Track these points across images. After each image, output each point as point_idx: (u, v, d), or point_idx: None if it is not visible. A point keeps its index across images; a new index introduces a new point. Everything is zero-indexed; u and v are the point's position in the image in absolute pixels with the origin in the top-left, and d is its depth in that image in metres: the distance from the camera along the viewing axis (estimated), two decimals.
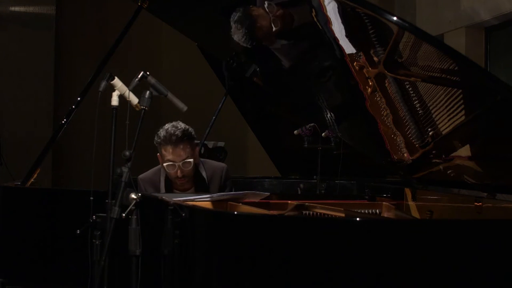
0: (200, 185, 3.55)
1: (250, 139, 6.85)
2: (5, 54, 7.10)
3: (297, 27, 3.12)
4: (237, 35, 3.07)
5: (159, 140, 3.39)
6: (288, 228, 2.34)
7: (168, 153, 3.37)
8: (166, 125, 3.42)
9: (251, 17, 3.04)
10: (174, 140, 3.33)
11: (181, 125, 3.42)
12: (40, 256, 3.53)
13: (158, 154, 3.48)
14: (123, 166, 2.62)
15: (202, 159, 3.66)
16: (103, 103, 2.72)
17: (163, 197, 2.97)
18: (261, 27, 3.04)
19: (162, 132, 3.39)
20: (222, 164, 3.69)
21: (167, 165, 3.39)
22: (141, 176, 3.59)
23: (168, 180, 3.53)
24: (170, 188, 3.54)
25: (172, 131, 3.36)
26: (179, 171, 3.38)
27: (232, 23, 3.07)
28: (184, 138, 3.36)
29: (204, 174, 3.56)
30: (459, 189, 3.02)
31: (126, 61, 6.14)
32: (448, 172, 2.95)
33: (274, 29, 3.02)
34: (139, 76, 2.80)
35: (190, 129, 3.43)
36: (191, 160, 3.39)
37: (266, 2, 3.03)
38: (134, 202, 2.60)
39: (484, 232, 2.30)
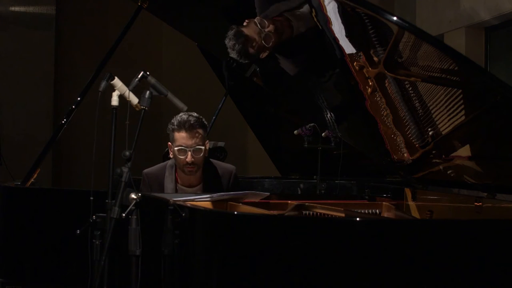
0: (208, 183, 3.54)
1: (250, 139, 6.85)
2: (5, 54, 7.10)
3: (296, 28, 3.12)
4: (233, 54, 3.12)
5: (172, 126, 3.43)
6: (288, 228, 2.34)
7: (181, 137, 3.40)
8: (180, 113, 3.44)
9: (243, 37, 3.06)
10: (188, 125, 3.39)
11: (195, 114, 3.48)
12: (40, 256, 3.53)
13: (168, 142, 3.49)
14: (123, 166, 2.62)
15: (212, 159, 3.67)
16: (103, 103, 2.72)
17: (163, 197, 2.97)
18: (254, 46, 3.09)
19: (176, 118, 3.44)
20: (231, 166, 3.67)
21: (178, 150, 3.41)
22: (146, 170, 3.60)
23: (173, 176, 3.53)
24: (174, 185, 3.53)
25: (186, 118, 3.41)
26: (189, 156, 3.39)
27: (226, 42, 3.11)
28: (198, 125, 3.41)
29: (213, 173, 3.56)
30: (459, 189, 3.02)
31: (126, 61, 6.14)
32: (448, 172, 2.95)
33: (267, 45, 3.07)
34: (139, 76, 2.81)
35: (203, 119, 3.48)
36: (202, 147, 3.42)
37: (258, 18, 3.05)
38: (134, 202, 2.60)
39: (484, 232, 2.30)
